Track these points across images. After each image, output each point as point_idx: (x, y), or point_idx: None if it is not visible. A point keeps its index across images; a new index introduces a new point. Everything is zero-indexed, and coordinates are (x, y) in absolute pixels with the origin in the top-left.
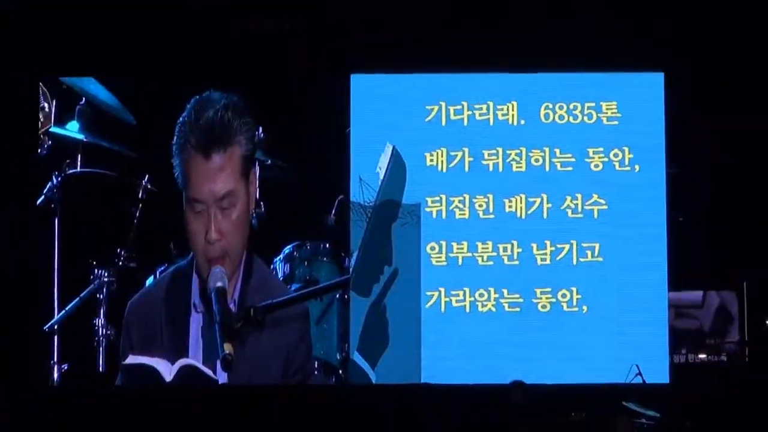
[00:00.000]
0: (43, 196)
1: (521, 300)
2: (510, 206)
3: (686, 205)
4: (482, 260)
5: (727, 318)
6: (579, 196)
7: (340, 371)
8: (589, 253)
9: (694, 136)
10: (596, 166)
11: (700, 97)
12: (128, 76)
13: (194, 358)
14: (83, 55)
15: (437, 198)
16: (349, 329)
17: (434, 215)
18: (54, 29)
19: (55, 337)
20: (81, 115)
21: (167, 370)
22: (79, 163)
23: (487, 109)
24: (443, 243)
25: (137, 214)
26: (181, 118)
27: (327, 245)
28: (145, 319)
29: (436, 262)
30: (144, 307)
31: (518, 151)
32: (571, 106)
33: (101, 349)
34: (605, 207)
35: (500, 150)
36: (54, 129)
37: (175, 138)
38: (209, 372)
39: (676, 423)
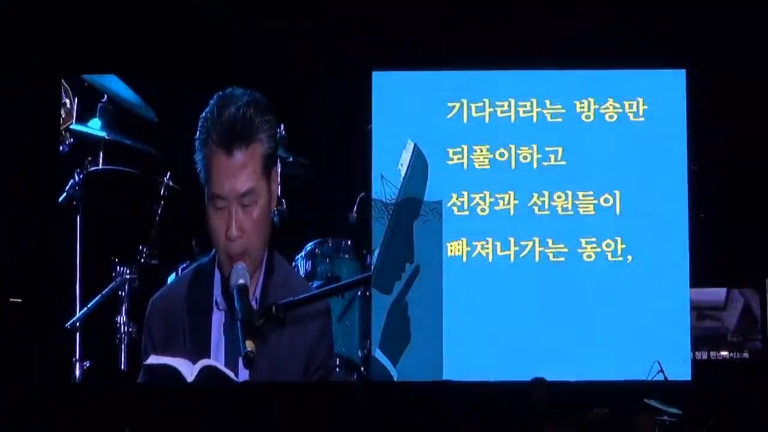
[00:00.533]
0: (65, 194)
1: (543, 298)
2: (532, 203)
3: (707, 203)
4: (504, 257)
5: (750, 317)
6: (602, 193)
7: (362, 368)
8: (609, 253)
9: (714, 134)
10: (619, 162)
11: (721, 96)
12: (151, 75)
13: (216, 356)
14: (103, 53)
15: (459, 195)
16: (370, 326)
17: (456, 212)
18: (70, 28)
19: (77, 334)
20: (103, 112)
21: (188, 371)
22: (101, 161)
23: (509, 106)
24: (464, 240)
25: (159, 212)
26: (203, 114)
27: (349, 242)
28: (167, 317)
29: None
30: (166, 306)
31: (540, 148)
32: (595, 103)
33: (123, 346)
34: (628, 204)
35: (523, 147)
36: (76, 126)
37: (197, 133)
38: (230, 373)
39: (698, 420)
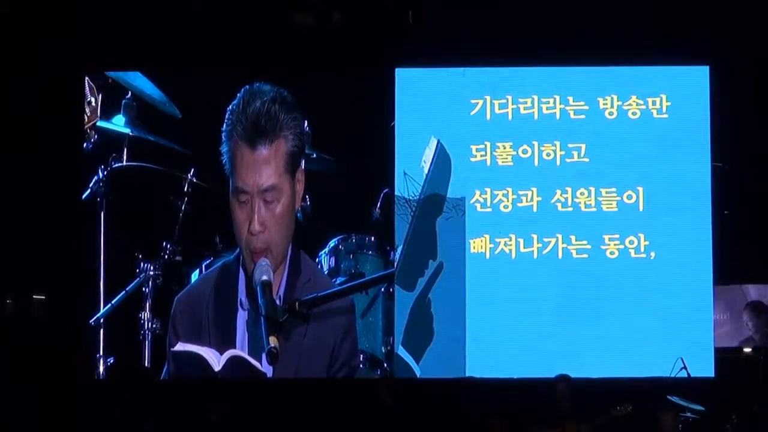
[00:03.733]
0: (89, 190)
1: (566, 294)
2: (555, 200)
3: (731, 200)
4: (527, 254)
5: None
6: (626, 189)
7: (386, 365)
8: (632, 250)
9: (737, 130)
10: (642, 159)
11: (745, 92)
12: (175, 71)
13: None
14: (127, 50)
15: (482, 192)
16: (393, 323)
17: (479, 209)
18: (95, 25)
19: (101, 330)
20: (127, 109)
21: (216, 359)
22: (125, 157)
23: (532, 102)
24: (487, 237)
25: (183, 208)
26: (230, 106)
27: (372, 238)
28: (192, 315)
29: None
30: (191, 304)
31: (563, 145)
32: (618, 100)
33: (147, 342)
34: (651, 201)
35: (546, 144)
36: (100, 123)
37: (224, 125)
38: (257, 363)
39: (721, 416)
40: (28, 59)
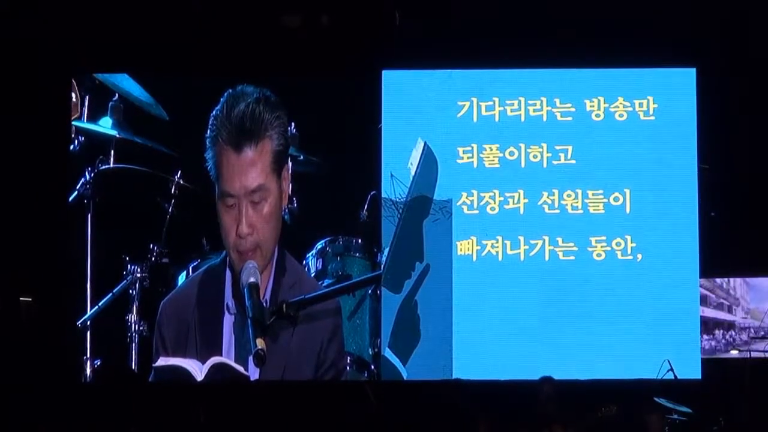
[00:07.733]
0: (75, 192)
1: (553, 297)
2: (542, 202)
3: (717, 202)
4: (514, 256)
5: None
6: (612, 191)
7: (373, 367)
8: (619, 251)
9: (724, 132)
10: (629, 161)
11: (731, 94)
12: (162, 73)
13: (227, 357)
14: (114, 52)
15: (469, 194)
16: (380, 325)
17: (466, 211)
18: (82, 27)
19: (88, 332)
20: (114, 111)
21: (198, 370)
22: (111, 159)
23: (519, 104)
24: (474, 239)
25: (170, 210)
26: (214, 112)
27: (359, 240)
28: (178, 320)
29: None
30: (176, 309)
31: (550, 147)
32: (605, 102)
33: (133, 345)
34: (638, 203)
35: (533, 146)
36: (87, 125)
37: (208, 131)
38: (240, 368)
39: (708, 419)
40: (15, 59)
